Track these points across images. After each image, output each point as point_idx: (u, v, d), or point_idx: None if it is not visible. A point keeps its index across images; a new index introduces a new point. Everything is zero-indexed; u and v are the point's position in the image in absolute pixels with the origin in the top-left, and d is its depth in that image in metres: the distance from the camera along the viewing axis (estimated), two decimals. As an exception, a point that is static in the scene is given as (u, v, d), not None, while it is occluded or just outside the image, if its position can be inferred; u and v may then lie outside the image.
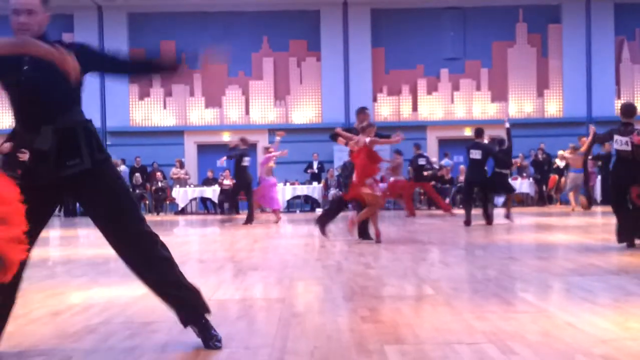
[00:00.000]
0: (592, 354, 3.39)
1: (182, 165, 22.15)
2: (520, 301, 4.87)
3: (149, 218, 17.29)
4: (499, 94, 23.73)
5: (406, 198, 18.12)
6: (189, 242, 11.52)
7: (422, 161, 18.66)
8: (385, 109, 23.81)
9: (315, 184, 21.68)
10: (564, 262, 7.15)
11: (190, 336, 3.96)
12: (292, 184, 21.54)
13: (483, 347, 3.57)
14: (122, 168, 21.41)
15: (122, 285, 6.07)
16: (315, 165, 22.21)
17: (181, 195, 21.09)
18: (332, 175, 21.56)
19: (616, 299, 4.89)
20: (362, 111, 10.97)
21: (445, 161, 22.51)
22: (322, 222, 10.99)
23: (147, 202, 21.78)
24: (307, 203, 22.11)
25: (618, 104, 23.28)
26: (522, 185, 21.32)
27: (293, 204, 21.88)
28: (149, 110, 23.86)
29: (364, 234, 10.41)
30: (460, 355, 3.42)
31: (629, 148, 8.23)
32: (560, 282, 5.84)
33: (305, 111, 23.84)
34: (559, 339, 3.70)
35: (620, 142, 8.31)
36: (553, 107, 23.59)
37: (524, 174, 21.88)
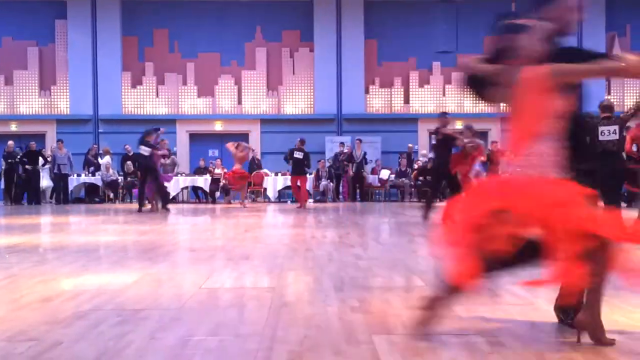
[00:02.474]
0: (578, 346, 3.42)
1: (170, 154, 22.04)
2: (509, 293, 4.90)
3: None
4: (491, 88, 23.76)
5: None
6: (179, 231, 11.52)
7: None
8: (377, 101, 23.83)
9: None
10: (552, 255, 7.19)
11: (181, 323, 3.99)
12: (284, 174, 21.54)
13: (471, 338, 3.60)
14: (107, 159, 21.33)
15: (112, 272, 6.09)
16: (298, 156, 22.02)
17: (172, 184, 21.06)
18: (324, 167, 21.57)
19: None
20: (443, 115, 12.97)
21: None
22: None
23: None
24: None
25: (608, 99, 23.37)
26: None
27: (284, 194, 21.88)
28: (142, 98, 23.81)
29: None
30: (448, 346, 3.45)
31: (616, 137, 8.62)
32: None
33: (297, 102, 23.85)
34: (546, 331, 3.74)
35: (607, 133, 8.61)
36: (545, 102, 23.66)
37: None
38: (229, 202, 20.16)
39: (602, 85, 23.31)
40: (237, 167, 18.27)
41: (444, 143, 12.51)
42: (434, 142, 12.66)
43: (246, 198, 19.14)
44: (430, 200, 12.40)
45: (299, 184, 18.10)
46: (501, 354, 3.29)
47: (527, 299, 4.67)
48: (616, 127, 8.77)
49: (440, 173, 12.62)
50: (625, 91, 23.71)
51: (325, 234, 9.86)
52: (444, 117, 12.98)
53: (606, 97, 9.69)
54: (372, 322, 4.01)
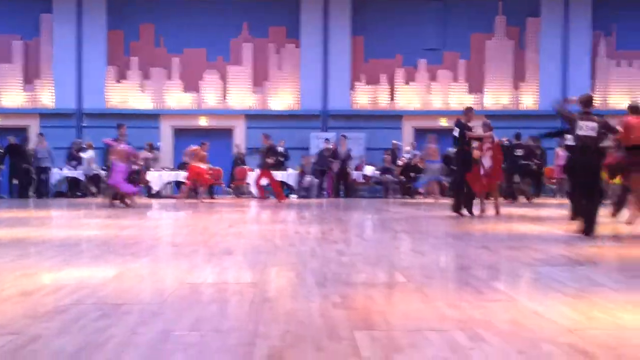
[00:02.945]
0: (558, 342, 3.44)
1: (152, 149, 21.95)
2: (491, 290, 4.93)
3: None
4: (476, 86, 23.87)
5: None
6: (162, 226, 11.48)
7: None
8: (362, 98, 23.85)
9: (290, 170, 21.64)
10: (534, 252, 7.24)
11: (162, 318, 3.98)
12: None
13: (453, 334, 3.61)
14: (90, 153, 21.20)
15: (93, 266, 6.05)
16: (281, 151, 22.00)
17: (156, 178, 20.98)
18: (308, 163, 21.56)
19: (583, 289, 4.97)
20: (470, 110, 13.30)
21: (411, 151, 22.46)
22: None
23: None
24: (283, 189, 22.06)
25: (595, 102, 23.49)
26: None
27: (268, 190, 21.82)
28: (126, 92, 23.69)
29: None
30: (430, 342, 3.46)
31: (594, 134, 8.78)
32: (530, 271, 5.92)
33: (283, 98, 23.82)
34: (527, 328, 3.75)
35: (586, 128, 8.80)
36: (529, 100, 23.77)
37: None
38: (212, 198, 20.14)
39: (587, 85, 23.45)
40: (204, 165, 18.50)
41: (465, 141, 12.79)
42: (455, 134, 12.79)
43: (205, 195, 19.37)
44: (460, 194, 12.77)
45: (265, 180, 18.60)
46: (482, 350, 3.30)
47: (509, 296, 4.69)
48: (595, 124, 8.88)
49: (464, 167, 12.78)
50: (610, 92, 23.83)
51: (309, 230, 9.86)
52: (470, 112, 13.22)
53: (586, 93, 9.79)
54: (354, 318, 4.01)
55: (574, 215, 9.70)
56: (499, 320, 3.93)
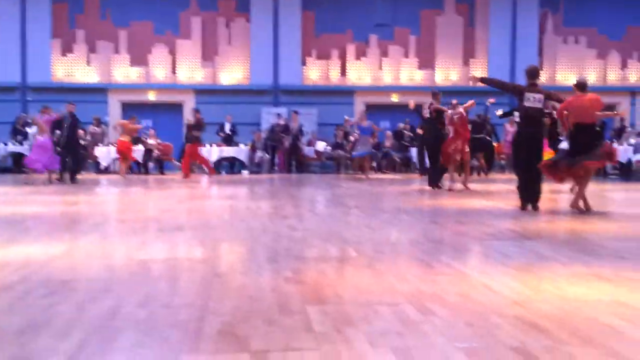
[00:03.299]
0: (505, 314, 3.50)
1: (99, 123, 21.56)
2: (441, 264, 4.98)
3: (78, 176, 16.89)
4: (426, 62, 23.98)
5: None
6: (111, 202, 11.32)
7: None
8: (314, 73, 23.76)
9: (242, 145, 21.51)
10: (483, 226, 7.34)
11: (110, 295, 3.93)
12: (219, 145, 21.34)
13: (403, 307, 3.64)
14: (35, 128, 20.68)
15: (40, 243, 5.94)
16: (227, 127, 21.86)
17: (104, 154, 20.64)
18: (260, 138, 21.45)
19: (530, 262, 5.06)
20: (438, 94, 13.98)
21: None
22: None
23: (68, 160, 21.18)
24: (234, 164, 21.97)
25: (540, 75, 23.86)
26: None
27: (220, 166, 21.70)
28: (72, 66, 23.19)
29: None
30: (380, 316, 3.48)
31: (540, 105, 9.07)
32: (479, 245, 6.00)
33: (233, 72, 23.59)
34: (476, 300, 3.81)
35: (532, 100, 9.03)
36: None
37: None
38: (162, 173, 19.93)
39: (535, 61, 23.75)
40: (126, 138, 18.33)
41: (436, 119, 13.56)
42: (427, 116, 14.22)
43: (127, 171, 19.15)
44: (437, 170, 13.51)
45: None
46: (432, 323, 3.34)
47: (458, 270, 4.75)
48: (541, 96, 9.12)
49: (435, 145, 13.48)
50: (557, 68, 24.21)
51: (260, 205, 9.83)
52: (437, 93, 13.97)
53: (532, 65, 9.98)
54: (305, 292, 4.02)
55: (523, 196, 9.70)
56: (448, 294, 3.98)
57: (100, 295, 3.90)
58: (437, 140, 13.34)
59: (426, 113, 14.48)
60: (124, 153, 18.37)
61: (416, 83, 23.82)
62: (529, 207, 9.02)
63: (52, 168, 15.23)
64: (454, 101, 13.40)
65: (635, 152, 17.81)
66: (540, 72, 9.60)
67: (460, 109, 12.98)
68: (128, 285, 4.23)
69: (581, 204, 8.74)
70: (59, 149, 15.39)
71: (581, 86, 8.89)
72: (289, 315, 3.48)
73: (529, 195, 9.07)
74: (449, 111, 13.10)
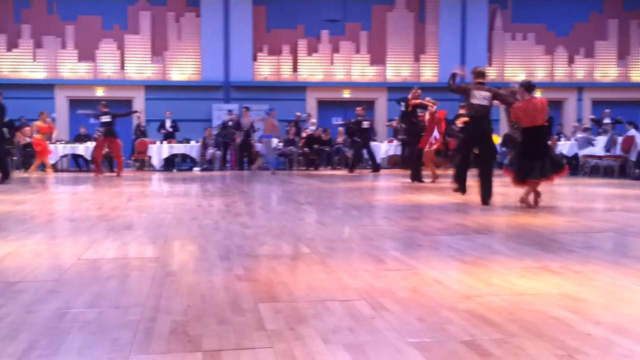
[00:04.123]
0: (457, 308, 3.54)
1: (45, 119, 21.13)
2: (392, 259, 5.01)
3: (17, 175, 16.57)
4: (378, 58, 24.09)
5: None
6: (59, 200, 11.11)
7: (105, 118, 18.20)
8: (265, 69, 23.67)
9: (192, 142, 21.34)
10: (433, 221, 7.41)
11: (59, 295, 3.85)
12: (169, 142, 21.13)
13: (355, 303, 3.65)
14: None
15: (-15, 244, 5.79)
16: (168, 123, 21.66)
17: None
18: (211, 135, 21.30)
19: (481, 256, 5.12)
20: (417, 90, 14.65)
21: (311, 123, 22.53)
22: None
23: (14, 158, 20.75)
24: (185, 162, 21.78)
25: (489, 71, 24.19)
26: (393, 147, 21.77)
27: (170, 163, 21.49)
28: (18, 62, 22.67)
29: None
30: (332, 312, 3.48)
31: (487, 103, 9.39)
32: (430, 241, 6.05)
33: (183, 68, 23.36)
34: (427, 295, 3.84)
35: (479, 97, 9.39)
36: (429, 72, 24.21)
37: (399, 137, 22.29)
38: (113, 171, 19.66)
39: (484, 57, 24.09)
40: (41, 136, 18.23)
41: (412, 113, 14.45)
42: (402, 109, 15.04)
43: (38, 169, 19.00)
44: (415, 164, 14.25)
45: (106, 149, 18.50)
46: (384, 318, 3.35)
47: (409, 265, 4.78)
48: (488, 94, 9.45)
49: (414, 141, 14.36)
50: (506, 65, 24.56)
51: (212, 203, 9.76)
52: (417, 92, 14.50)
53: (479, 66, 10.36)
54: (257, 290, 4.00)
55: (457, 188, 10.24)
56: (399, 289, 4.00)
57: (49, 296, 3.82)
58: (414, 137, 14.22)
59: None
60: (39, 152, 18.33)
61: (368, 79, 23.94)
62: (462, 193, 9.79)
63: None
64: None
65: (581, 147, 18.17)
66: (485, 70, 9.88)
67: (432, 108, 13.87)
68: (77, 285, 4.15)
69: (531, 198, 8.88)
70: None
71: (530, 88, 8.99)
72: (241, 314, 3.46)
73: (483, 191, 9.29)
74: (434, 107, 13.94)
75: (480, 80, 9.56)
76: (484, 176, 9.31)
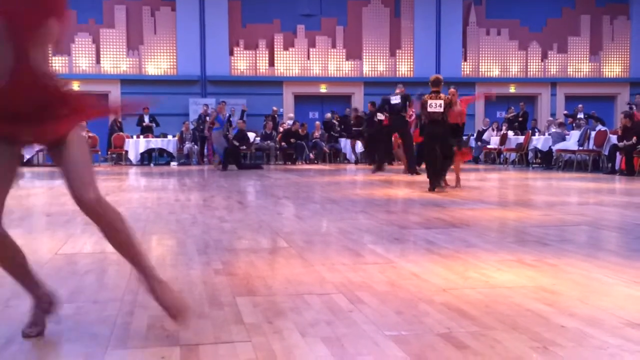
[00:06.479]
0: (433, 301, 3.57)
1: None
2: (369, 253, 5.04)
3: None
4: (354, 52, 24.13)
5: None
6: (34, 195, 11.02)
7: None
8: (241, 63, 23.62)
9: (170, 137, 21.26)
10: (410, 215, 7.46)
11: (35, 291, 3.82)
12: (146, 136, 21.03)
13: (333, 297, 3.68)
14: None
15: (-40, 239, 5.73)
16: (147, 118, 21.57)
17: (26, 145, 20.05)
18: (188, 129, 21.22)
19: (458, 250, 5.17)
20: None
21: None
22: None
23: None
24: (162, 156, 21.69)
25: (464, 66, 24.34)
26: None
27: (147, 157, 21.39)
28: (-10, 55, 22.40)
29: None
30: (310, 306, 3.50)
31: (440, 110, 10.58)
32: (407, 234, 6.09)
33: (159, 62, 23.24)
34: (404, 289, 3.87)
35: (434, 105, 10.58)
36: (404, 67, 24.29)
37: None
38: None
39: (459, 53, 24.21)
40: None
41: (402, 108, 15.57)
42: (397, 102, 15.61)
43: None
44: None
45: None
46: (361, 311, 3.38)
47: (386, 258, 4.82)
48: (442, 102, 10.61)
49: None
50: (480, 60, 24.71)
51: (190, 197, 9.74)
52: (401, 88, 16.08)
53: (435, 75, 11.25)
54: (235, 284, 4.01)
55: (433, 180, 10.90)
56: (377, 282, 4.03)
57: (25, 292, 3.80)
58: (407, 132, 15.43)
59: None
60: None
61: (344, 74, 23.97)
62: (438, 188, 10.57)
63: None
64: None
65: (555, 141, 18.34)
66: (441, 78, 11.13)
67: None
68: (54, 280, 4.13)
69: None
70: None
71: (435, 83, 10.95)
72: (219, 307, 3.47)
73: (437, 175, 10.62)
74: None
75: (436, 89, 10.75)
76: (441, 167, 10.64)
